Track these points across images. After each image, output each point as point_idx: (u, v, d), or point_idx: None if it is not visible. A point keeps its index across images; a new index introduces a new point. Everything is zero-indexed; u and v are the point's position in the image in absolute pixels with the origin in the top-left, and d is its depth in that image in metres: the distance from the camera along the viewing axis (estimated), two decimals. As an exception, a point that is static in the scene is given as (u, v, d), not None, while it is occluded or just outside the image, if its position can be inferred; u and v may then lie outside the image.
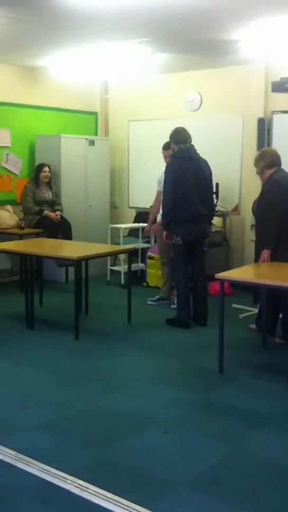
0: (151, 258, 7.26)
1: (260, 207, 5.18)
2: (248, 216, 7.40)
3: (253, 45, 6.03)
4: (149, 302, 6.54)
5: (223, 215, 7.51)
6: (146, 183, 8.26)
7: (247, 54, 6.46)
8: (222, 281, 4.47)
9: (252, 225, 6.51)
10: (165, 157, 6.43)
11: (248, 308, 6.18)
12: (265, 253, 4.97)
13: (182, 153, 5.72)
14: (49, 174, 7.47)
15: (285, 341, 5.10)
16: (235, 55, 6.61)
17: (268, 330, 5.20)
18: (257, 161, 5.19)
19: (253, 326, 5.55)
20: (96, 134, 8.72)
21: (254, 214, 5.57)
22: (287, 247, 4.99)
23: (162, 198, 5.83)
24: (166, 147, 6.40)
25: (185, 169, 5.64)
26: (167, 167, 5.86)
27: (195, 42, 6.12)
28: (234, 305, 6.32)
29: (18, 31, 5.68)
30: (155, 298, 6.64)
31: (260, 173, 5.18)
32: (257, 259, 5.09)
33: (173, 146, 5.85)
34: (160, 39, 5.97)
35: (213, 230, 7.39)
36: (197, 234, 5.71)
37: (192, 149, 5.79)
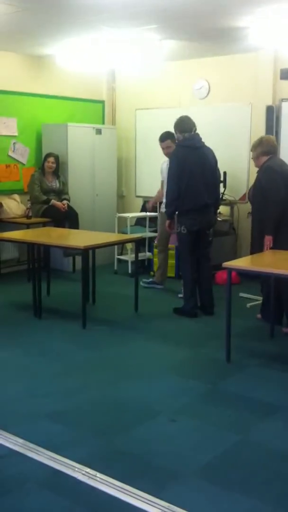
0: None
1: (257, 194, 5.22)
2: (255, 205, 7.37)
3: (262, 32, 5.95)
4: (142, 284, 6.55)
5: (231, 204, 7.48)
6: (153, 172, 8.22)
7: (256, 41, 6.38)
8: (229, 270, 4.45)
9: (248, 213, 6.51)
10: (162, 149, 6.48)
11: (255, 297, 6.17)
12: (268, 240, 5.01)
13: (187, 141, 5.69)
14: (53, 165, 7.45)
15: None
16: (243, 42, 6.55)
17: (276, 320, 5.19)
18: (255, 147, 5.28)
19: (259, 316, 5.55)
20: (103, 123, 8.69)
21: (250, 202, 5.57)
22: (287, 234, 5.03)
23: (166, 187, 5.79)
24: (162, 138, 6.44)
25: (190, 158, 5.60)
26: (171, 156, 5.82)
27: (203, 29, 6.06)
28: (242, 294, 6.31)
29: (24, 19, 5.64)
30: (149, 280, 6.76)
31: (256, 158, 5.26)
32: (253, 245, 5.15)
33: (177, 135, 5.82)
34: (167, 26, 5.92)
35: (220, 219, 7.37)
36: (203, 224, 5.69)
37: (197, 137, 5.76)
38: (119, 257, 7.67)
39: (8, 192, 7.57)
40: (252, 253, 5.34)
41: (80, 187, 7.88)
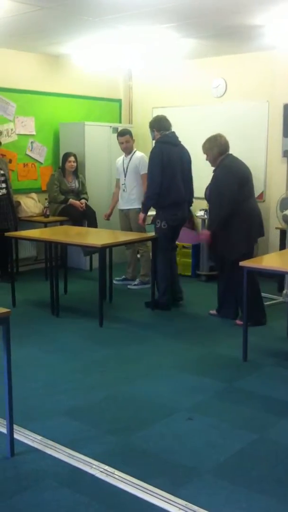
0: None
1: (213, 193, 5.28)
2: (273, 204, 7.34)
3: (278, 30, 5.95)
4: (114, 281, 6.57)
5: (248, 202, 7.44)
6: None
7: (272, 39, 6.37)
8: (245, 269, 4.45)
9: (205, 211, 6.60)
10: (121, 143, 6.66)
11: (271, 296, 6.15)
12: (205, 235, 5.32)
13: (167, 138, 5.87)
14: (74, 164, 7.49)
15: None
16: (260, 40, 6.52)
17: (233, 314, 5.41)
18: (211, 148, 5.33)
19: (214, 311, 5.64)
20: (120, 121, 8.70)
21: (207, 201, 5.63)
22: (242, 232, 5.13)
23: (148, 181, 5.92)
24: (122, 133, 6.67)
25: (171, 154, 5.76)
26: (152, 152, 5.89)
27: (220, 27, 6.05)
28: (259, 293, 6.29)
29: (42, 19, 5.68)
30: (121, 278, 6.88)
31: (213, 160, 5.33)
32: (211, 246, 5.31)
33: (155, 133, 6.00)
34: (184, 25, 5.91)
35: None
36: (180, 219, 5.90)
37: (175, 135, 5.97)
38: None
39: (26, 191, 7.62)
40: (214, 253, 5.40)
41: (97, 185, 7.90)
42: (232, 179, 5.14)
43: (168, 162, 5.70)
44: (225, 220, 5.14)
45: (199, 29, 6.17)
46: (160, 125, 5.95)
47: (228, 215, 5.11)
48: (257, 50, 7.25)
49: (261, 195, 7.54)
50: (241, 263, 4.48)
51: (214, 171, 5.34)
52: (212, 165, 5.35)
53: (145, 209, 5.98)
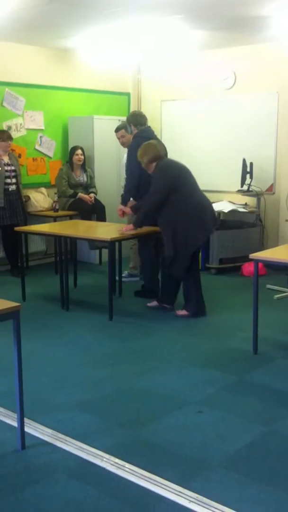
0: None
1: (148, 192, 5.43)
2: (283, 196, 7.31)
3: (285, 21, 5.90)
4: (124, 280, 6.52)
5: (257, 195, 7.43)
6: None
7: (281, 30, 6.32)
8: (256, 261, 4.43)
9: None
10: (118, 138, 6.67)
11: (283, 289, 6.13)
12: (129, 227, 5.46)
13: (143, 133, 5.97)
14: (82, 157, 7.48)
15: None
16: (269, 31, 6.48)
17: (172, 303, 5.54)
18: (141, 157, 5.42)
19: (154, 303, 5.69)
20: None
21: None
22: (195, 227, 5.23)
23: (127, 174, 6.03)
24: (116, 129, 6.68)
25: None
26: (131, 146, 5.98)
27: (229, 19, 6.01)
28: (269, 286, 6.28)
29: (50, 12, 5.66)
30: (126, 274, 6.78)
31: (146, 168, 5.42)
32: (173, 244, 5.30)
33: (131, 128, 6.12)
34: (193, 16, 5.88)
35: (247, 211, 7.34)
36: None
37: (151, 129, 6.13)
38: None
39: (35, 185, 7.63)
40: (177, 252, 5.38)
41: (107, 179, 7.90)
42: (164, 176, 5.25)
43: None
44: (150, 217, 5.35)
45: (207, 21, 6.13)
46: (136, 120, 6.11)
47: (154, 211, 5.28)
48: (266, 41, 7.20)
49: (271, 187, 7.52)
50: (251, 255, 4.46)
51: (151, 175, 5.43)
52: (149, 172, 5.43)
53: (123, 201, 6.07)
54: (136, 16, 5.76)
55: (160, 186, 5.22)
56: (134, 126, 6.10)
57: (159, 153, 5.36)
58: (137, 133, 6.02)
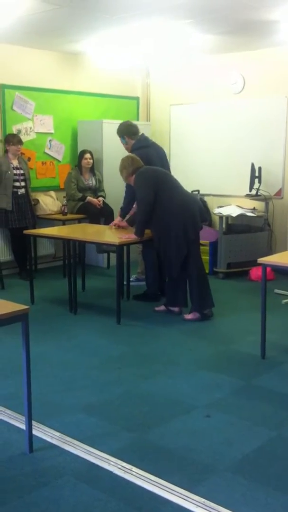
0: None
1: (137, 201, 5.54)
2: (291, 200, 7.30)
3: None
4: (132, 283, 6.53)
5: (266, 199, 7.42)
6: (188, 167, 8.23)
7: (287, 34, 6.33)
8: (264, 266, 4.43)
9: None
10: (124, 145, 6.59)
11: (291, 293, 6.12)
12: (131, 236, 5.42)
13: (139, 143, 6.03)
14: (91, 160, 7.51)
15: None
16: (278, 36, 6.48)
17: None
18: (121, 171, 5.57)
19: (162, 307, 5.70)
20: (137, 119, 8.70)
21: None
22: (177, 235, 5.29)
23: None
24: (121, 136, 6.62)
25: (148, 156, 5.85)
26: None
27: (237, 23, 6.02)
28: (277, 291, 6.27)
29: (59, 17, 5.69)
30: (134, 278, 6.78)
31: (126, 180, 5.60)
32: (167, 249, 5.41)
33: (126, 139, 6.12)
34: (201, 21, 5.89)
35: (255, 215, 7.33)
36: None
37: (145, 136, 6.20)
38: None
39: (44, 189, 7.66)
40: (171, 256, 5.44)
41: (115, 183, 7.86)
42: (144, 183, 5.36)
43: (148, 164, 5.73)
44: (147, 223, 5.38)
45: (216, 25, 6.14)
46: (130, 130, 6.14)
47: (148, 217, 5.33)
48: (275, 46, 7.20)
49: (279, 192, 7.51)
50: (259, 260, 4.46)
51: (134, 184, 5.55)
52: (131, 184, 5.57)
53: (123, 213, 6.11)
54: (145, 20, 5.78)
55: (144, 192, 5.34)
56: (129, 137, 6.11)
57: (138, 165, 5.49)
58: (134, 145, 6.04)
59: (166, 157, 6.30)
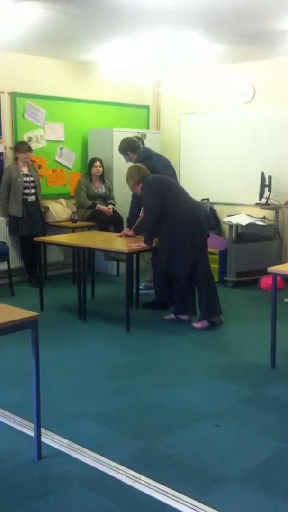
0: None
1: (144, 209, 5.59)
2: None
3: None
4: (141, 291, 6.52)
5: (276, 208, 7.41)
6: (198, 176, 8.24)
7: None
8: (274, 275, 4.41)
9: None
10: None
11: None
12: (140, 244, 5.43)
13: (142, 156, 6.05)
14: (100, 168, 7.53)
15: None
16: (287, 45, 6.49)
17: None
18: (127, 180, 5.62)
19: (171, 316, 5.68)
20: (147, 128, 8.73)
21: None
22: (184, 245, 5.30)
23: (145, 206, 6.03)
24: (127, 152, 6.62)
25: (154, 167, 5.82)
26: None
27: (248, 33, 6.04)
28: (286, 300, 6.24)
29: (71, 26, 5.74)
30: (143, 286, 6.75)
31: (133, 189, 5.66)
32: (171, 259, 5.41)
33: (129, 155, 6.15)
34: (212, 30, 5.91)
35: (265, 224, 7.32)
36: None
37: (146, 148, 6.27)
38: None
39: (55, 196, 7.69)
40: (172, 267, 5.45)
41: (125, 191, 7.84)
42: (150, 191, 5.39)
43: (154, 174, 5.74)
44: (155, 231, 5.38)
45: (226, 35, 6.17)
46: (131, 145, 6.19)
47: (157, 224, 5.33)
48: (285, 55, 7.21)
49: (290, 201, 7.49)
50: (269, 269, 4.45)
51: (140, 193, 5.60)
52: (137, 193, 5.61)
53: (129, 223, 6.16)
54: (156, 30, 5.81)
55: (151, 200, 5.36)
56: (131, 151, 6.14)
57: (144, 174, 5.51)
58: (137, 158, 6.06)
59: (171, 166, 6.32)
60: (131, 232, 6.03)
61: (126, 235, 6.05)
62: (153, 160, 6.01)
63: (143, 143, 6.53)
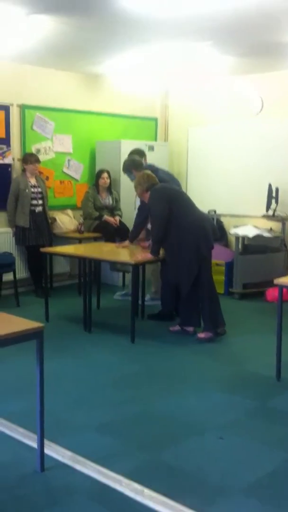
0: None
1: (151, 218, 5.58)
2: (308, 222, 7.26)
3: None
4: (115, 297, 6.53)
5: (283, 220, 7.40)
6: (205, 187, 8.25)
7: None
8: (281, 287, 4.40)
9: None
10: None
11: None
12: (147, 256, 5.45)
13: (149, 169, 5.99)
14: (108, 180, 7.56)
15: None
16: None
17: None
18: (135, 187, 5.65)
19: (177, 327, 5.66)
20: (155, 139, 8.76)
21: None
22: (189, 254, 5.33)
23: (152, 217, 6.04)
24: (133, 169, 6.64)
25: (161, 178, 5.86)
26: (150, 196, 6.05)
27: (256, 45, 6.07)
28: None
29: (81, 39, 5.79)
30: (123, 293, 6.76)
31: (141, 196, 5.65)
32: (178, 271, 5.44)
33: (134, 173, 6.15)
34: (222, 42, 5.94)
35: (271, 236, 7.30)
36: None
37: (150, 164, 6.24)
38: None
39: (62, 207, 7.72)
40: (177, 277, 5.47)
41: (132, 202, 7.92)
42: (159, 199, 5.39)
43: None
44: (162, 241, 5.38)
45: (235, 47, 6.20)
46: (134, 164, 6.24)
47: (163, 235, 5.34)
48: (293, 68, 7.24)
49: (297, 213, 7.48)
50: (276, 281, 4.43)
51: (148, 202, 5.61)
52: (145, 200, 5.61)
53: (132, 237, 6.13)
54: (165, 42, 5.85)
55: (159, 209, 5.37)
56: (135, 169, 6.15)
57: (153, 182, 5.54)
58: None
59: (176, 180, 6.38)
60: (126, 243, 6.04)
61: (123, 247, 6.05)
62: (159, 173, 6.03)
63: (145, 158, 6.56)
